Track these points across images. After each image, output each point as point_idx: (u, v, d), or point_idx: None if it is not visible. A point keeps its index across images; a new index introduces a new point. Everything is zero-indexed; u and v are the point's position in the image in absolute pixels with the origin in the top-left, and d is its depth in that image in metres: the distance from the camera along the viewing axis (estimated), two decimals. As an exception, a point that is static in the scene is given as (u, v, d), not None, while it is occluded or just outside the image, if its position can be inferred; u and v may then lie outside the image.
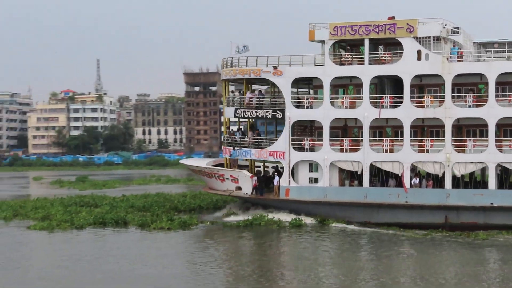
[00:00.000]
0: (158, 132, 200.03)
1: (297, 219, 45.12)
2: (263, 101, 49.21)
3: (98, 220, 46.27)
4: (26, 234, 43.83)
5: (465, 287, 28.72)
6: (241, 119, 51.24)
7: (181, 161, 64.60)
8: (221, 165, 52.38)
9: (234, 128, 54.21)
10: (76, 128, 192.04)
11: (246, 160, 50.45)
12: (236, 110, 49.67)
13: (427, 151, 44.70)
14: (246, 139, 49.68)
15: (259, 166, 51.00)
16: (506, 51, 45.25)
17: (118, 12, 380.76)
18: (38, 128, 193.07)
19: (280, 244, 40.63)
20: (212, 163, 53.82)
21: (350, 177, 46.96)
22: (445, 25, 45.83)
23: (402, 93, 44.98)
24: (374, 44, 47.06)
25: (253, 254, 38.10)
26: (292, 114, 47.34)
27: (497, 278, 30.39)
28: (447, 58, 44.46)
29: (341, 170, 46.61)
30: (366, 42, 46.12)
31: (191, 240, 41.72)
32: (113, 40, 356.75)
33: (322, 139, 46.78)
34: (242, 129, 52.77)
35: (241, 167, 51.34)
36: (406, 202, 44.29)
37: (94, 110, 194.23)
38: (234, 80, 51.22)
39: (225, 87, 51.96)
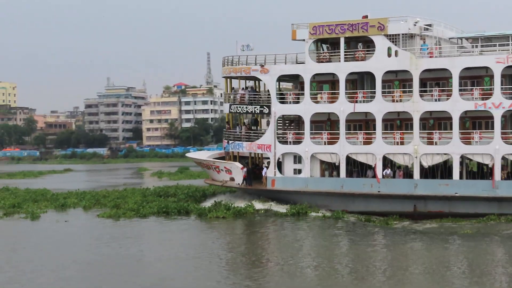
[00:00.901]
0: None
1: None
2: (255, 97, 52.69)
3: (162, 210, 49.40)
4: (94, 221, 47.53)
5: (432, 273, 30.60)
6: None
7: (187, 155, 68.49)
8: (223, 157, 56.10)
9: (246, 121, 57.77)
10: (188, 120, 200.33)
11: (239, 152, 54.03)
12: (230, 105, 53.62)
13: (397, 143, 47.11)
14: (238, 133, 53.44)
15: (247, 158, 54.40)
16: (479, 46, 46.65)
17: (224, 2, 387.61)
18: (151, 121, 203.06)
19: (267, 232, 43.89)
20: (216, 155, 57.66)
21: (332, 168, 49.94)
22: (416, 22, 47.70)
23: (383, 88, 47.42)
24: (353, 41, 49.46)
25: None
26: (277, 109, 50.80)
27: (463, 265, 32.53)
28: (420, 53, 46.47)
29: (322, 162, 49.74)
30: (342, 41, 48.78)
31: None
32: (222, 33, 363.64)
33: (302, 133, 49.93)
34: (246, 124, 56.29)
35: (242, 158, 54.71)
36: (379, 191, 47.05)
37: (204, 102, 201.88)
38: (231, 77, 54.84)
39: (226, 84, 55.69)
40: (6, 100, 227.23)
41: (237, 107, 53.20)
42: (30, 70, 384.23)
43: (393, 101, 47.40)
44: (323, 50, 50.76)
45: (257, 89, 55.07)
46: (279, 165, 50.98)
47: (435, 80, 47.37)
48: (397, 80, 48.26)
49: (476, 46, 46.93)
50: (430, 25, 48.50)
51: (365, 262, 32.76)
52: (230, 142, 53.46)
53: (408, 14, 48.27)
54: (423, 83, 47.15)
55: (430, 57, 47.12)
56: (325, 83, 50.85)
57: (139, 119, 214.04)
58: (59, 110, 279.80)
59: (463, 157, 45.63)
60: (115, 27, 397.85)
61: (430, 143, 46.25)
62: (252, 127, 55.52)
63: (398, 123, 48.22)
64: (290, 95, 51.61)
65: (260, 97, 52.15)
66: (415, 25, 47.70)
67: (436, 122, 47.44)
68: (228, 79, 55.37)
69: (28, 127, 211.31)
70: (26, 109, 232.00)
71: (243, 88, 54.58)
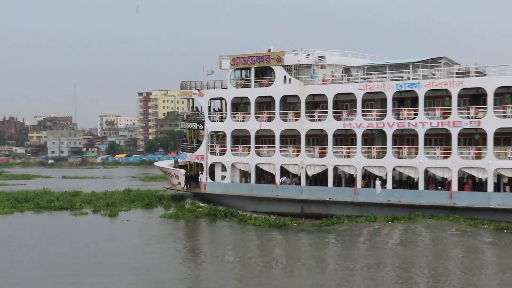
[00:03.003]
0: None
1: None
2: (193, 115, 64.03)
3: (211, 212, 56.06)
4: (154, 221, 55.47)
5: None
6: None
7: (155, 164, 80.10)
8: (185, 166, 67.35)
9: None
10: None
11: (186, 161, 65.34)
12: (180, 122, 65.33)
13: (290, 156, 56.91)
14: (185, 145, 64.98)
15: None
16: (364, 74, 55.09)
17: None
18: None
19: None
20: (182, 163, 68.41)
21: (247, 175, 60.21)
22: (308, 55, 57.09)
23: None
24: (263, 70, 59.47)
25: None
26: (209, 126, 61.87)
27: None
28: (310, 80, 55.92)
29: (241, 170, 60.34)
30: (252, 70, 59.11)
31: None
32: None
33: (225, 146, 60.67)
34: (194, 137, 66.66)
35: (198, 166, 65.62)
36: (277, 195, 57.07)
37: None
38: (187, 99, 66.00)
39: (188, 104, 67.00)
40: (174, 107, 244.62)
41: (183, 123, 64.84)
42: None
43: (285, 120, 57.07)
44: (241, 77, 61.06)
45: (190, 108, 65.92)
46: (213, 172, 61.91)
47: (317, 103, 56.53)
48: (293, 104, 57.75)
49: (363, 74, 55.18)
50: (323, 57, 57.57)
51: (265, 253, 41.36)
52: (180, 153, 65.10)
53: (337, 45, 57.75)
54: (308, 106, 56.47)
55: (324, 83, 56.29)
56: (248, 105, 60.90)
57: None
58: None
59: (335, 168, 54.65)
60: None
61: (312, 156, 55.65)
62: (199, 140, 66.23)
63: (291, 139, 57.79)
64: (217, 115, 62.24)
65: (198, 116, 63.24)
66: (307, 57, 56.99)
67: (316, 139, 56.62)
68: (187, 100, 66.75)
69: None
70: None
71: (192, 107, 65.78)
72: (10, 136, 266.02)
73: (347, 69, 57.44)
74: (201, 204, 60.26)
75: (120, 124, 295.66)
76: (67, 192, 73.98)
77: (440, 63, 53.36)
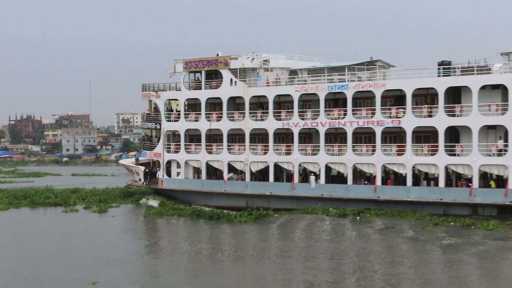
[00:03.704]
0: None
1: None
2: (151, 116, 68.18)
3: (195, 213, 56.31)
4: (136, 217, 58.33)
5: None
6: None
7: (119, 162, 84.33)
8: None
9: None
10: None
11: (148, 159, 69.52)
12: (141, 123, 69.50)
13: (236, 153, 60.96)
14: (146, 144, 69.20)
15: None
16: (309, 76, 58.86)
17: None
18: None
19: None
20: (143, 161, 72.72)
21: (200, 172, 64.29)
22: (253, 59, 61.05)
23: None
24: (213, 73, 63.48)
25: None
26: (165, 126, 65.99)
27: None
28: (255, 82, 59.90)
29: (194, 167, 64.42)
30: (203, 73, 63.20)
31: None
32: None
33: (180, 144, 64.79)
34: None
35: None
36: (225, 190, 61.12)
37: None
38: (149, 100, 70.10)
39: (150, 105, 71.05)
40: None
41: (143, 123, 69.07)
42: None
43: (233, 120, 61.13)
44: (195, 80, 65.11)
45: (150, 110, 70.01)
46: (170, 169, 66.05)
47: (261, 104, 60.53)
48: (241, 104, 61.71)
49: (308, 76, 58.96)
50: (267, 60, 61.53)
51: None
52: (141, 151, 69.30)
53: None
54: (254, 106, 60.50)
55: (267, 85, 60.22)
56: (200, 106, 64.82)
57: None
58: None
59: (275, 164, 58.64)
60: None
61: (255, 153, 59.67)
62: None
63: (238, 138, 61.83)
64: (172, 115, 66.32)
65: (156, 116, 67.34)
66: (252, 60, 60.97)
67: (261, 137, 60.60)
68: (149, 101, 70.85)
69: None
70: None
71: (155, 108, 69.80)
72: (27, 134, 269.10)
73: (293, 72, 61.06)
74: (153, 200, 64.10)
75: (136, 122, 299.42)
76: (68, 189, 76.58)
77: (376, 65, 57.07)
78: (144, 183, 67.32)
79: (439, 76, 51.45)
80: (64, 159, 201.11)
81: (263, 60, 61.43)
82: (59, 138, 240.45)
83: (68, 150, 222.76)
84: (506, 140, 48.05)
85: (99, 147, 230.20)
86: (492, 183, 49.08)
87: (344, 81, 55.51)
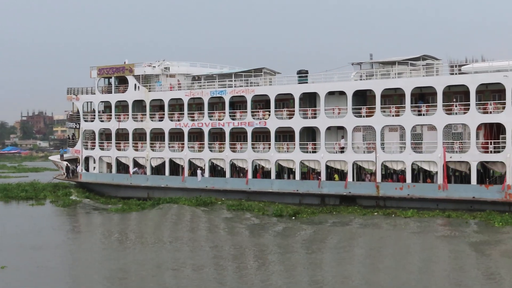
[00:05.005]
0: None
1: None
2: (72, 116, 76.07)
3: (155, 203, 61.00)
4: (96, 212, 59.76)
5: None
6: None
7: (49, 158, 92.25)
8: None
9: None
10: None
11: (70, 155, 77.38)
12: (65, 122, 77.41)
13: (139, 151, 68.79)
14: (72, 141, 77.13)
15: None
16: (205, 82, 66.51)
17: None
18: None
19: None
20: (68, 157, 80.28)
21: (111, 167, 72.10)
22: (154, 66, 68.80)
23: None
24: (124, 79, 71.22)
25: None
26: (84, 126, 73.90)
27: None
28: (156, 87, 67.57)
29: (107, 162, 72.27)
30: (113, 79, 71.05)
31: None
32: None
33: (95, 142, 72.69)
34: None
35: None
36: (130, 183, 68.95)
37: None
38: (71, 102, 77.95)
39: (73, 106, 78.81)
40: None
41: (67, 123, 77.09)
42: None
43: (137, 121, 68.93)
44: (109, 84, 72.88)
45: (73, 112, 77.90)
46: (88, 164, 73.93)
47: (161, 107, 68.24)
48: (145, 107, 69.39)
49: (205, 82, 66.38)
50: (167, 68, 69.26)
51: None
52: (64, 148, 77.25)
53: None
54: (156, 108, 68.38)
55: (170, 90, 67.92)
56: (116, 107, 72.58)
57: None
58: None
59: (170, 160, 66.39)
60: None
61: (154, 150, 67.51)
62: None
63: (141, 136, 69.60)
64: (89, 116, 74.18)
65: (76, 117, 75.20)
66: (153, 68, 68.73)
67: (160, 136, 68.22)
68: (72, 103, 78.60)
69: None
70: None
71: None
72: (38, 130, 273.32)
73: (197, 77, 68.30)
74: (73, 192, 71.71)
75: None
76: (50, 183, 77.93)
77: (261, 73, 64.68)
78: (66, 176, 75.19)
79: (299, 83, 59.10)
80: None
81: (164, 68, 69.11)
82: (67, 134, 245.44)
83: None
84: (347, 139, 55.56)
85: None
86: (336, 176, 56.64)
87: (225, 87, 63.08)
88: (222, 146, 62.98)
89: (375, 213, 51.08)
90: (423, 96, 53.30)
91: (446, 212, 49.02)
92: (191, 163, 65.43)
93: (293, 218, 51.15)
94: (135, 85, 68.84)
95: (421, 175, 53.28)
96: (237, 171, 63.03)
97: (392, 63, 55.26)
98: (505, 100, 48.25)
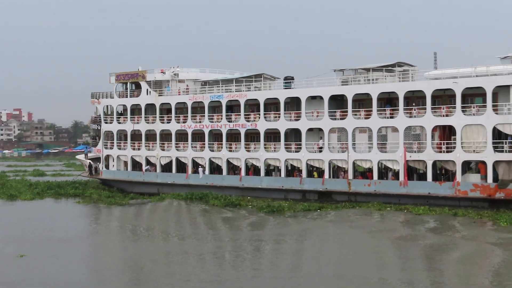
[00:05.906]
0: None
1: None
2: (96, 118, 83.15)
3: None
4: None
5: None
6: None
7: (76, 157, 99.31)
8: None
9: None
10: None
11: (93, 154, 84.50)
12: (90, 124, 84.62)
13: (150, 150, 75.35)
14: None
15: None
16: (213, 87, 72.67)
17: None
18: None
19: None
20: (92, 156, 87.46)
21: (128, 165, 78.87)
22: (165, 72, 75.22)
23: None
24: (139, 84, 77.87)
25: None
26: (104, 127, 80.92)
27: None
28: (166, 92, 74.01)
29: (124, 160, 79.07)
30: (129, 85, 77.79)
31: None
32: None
33: (113, 142, 79.58)
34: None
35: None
36: (143, 180, 75.54)
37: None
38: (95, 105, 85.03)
39: (96, 110, 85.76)
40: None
41: (90, 124, 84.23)
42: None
43: (148, 123, 75.47)
44: (126, 89, 79.57)
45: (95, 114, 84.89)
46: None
47: (169, 110, 74.53)
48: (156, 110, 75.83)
49: (213, 86, 72.66)
50: (176, 74, 75.58)
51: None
52: (88, 147, 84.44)
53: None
54: (165, 111, 74.74)
55: (178, 94, 74.29)
56: (132, 110, 79.29)
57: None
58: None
59: (177, 159, 72.68)
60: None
61: (163, 150, 73.93)
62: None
63: (153, 137, 76.03)
64: (108, 118, 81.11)
65: (99, 119, 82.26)
66: (163, 74, 75.14)
67: (167, 136, 74.51)
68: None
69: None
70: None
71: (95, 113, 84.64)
72: None
73: (205, 83, 74.43)
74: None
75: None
76: (41, 182, 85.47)
77: (261, 78, 70.30)
78: (90, 174, 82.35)
79: (285, 88, 64.55)
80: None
81: (173, 73, 75.42)
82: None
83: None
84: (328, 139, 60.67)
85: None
86: (315, 173, 61.83)
87: (221, 92, 68.99)
88: (220, 146, 68.79)
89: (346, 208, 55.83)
90: (391, 101, 58.03)
91: (407, 205, 53.63)
92: (194, 162, 71.35)
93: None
94: (147, 90, 75.27)
95: (389, 173, 57.99)
96: (233, 169, 68.73)
97: (367, 70, 60.09)
98: (455, 104, 52.68)
